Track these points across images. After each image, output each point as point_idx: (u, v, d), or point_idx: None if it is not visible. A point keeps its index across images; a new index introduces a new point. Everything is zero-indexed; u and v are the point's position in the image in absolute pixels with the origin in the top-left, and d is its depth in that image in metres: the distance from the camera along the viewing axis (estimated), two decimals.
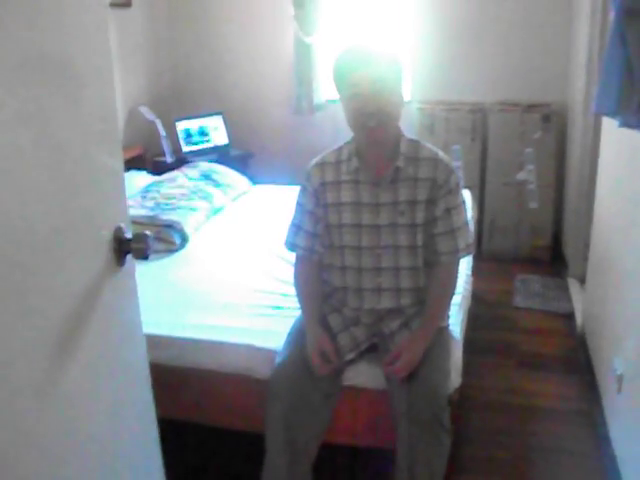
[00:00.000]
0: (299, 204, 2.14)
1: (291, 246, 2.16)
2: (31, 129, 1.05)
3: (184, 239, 3.14)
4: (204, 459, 2.45)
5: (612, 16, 2.09)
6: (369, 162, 2.03)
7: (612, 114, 2.18)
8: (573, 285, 3.80)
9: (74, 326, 1.17)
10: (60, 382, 1.13)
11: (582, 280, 3.57)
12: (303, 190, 2.13)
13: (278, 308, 2.43)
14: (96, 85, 1.25)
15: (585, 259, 3.42)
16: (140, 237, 1.31)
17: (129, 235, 1.32)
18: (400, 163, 2.00)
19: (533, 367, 3.06)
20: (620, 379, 2.27)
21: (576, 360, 3.10)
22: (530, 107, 4.29)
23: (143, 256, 1.31)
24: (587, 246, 3.33)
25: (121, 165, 1.37)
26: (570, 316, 3.51)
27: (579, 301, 3.51)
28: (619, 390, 2.28)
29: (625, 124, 2.15)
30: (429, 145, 2.07)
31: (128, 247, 1.31)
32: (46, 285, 1.09)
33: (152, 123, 4.53)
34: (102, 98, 1.28)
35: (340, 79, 1.95)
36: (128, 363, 1.40)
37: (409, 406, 1.86)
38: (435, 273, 2.06)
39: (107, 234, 1.28)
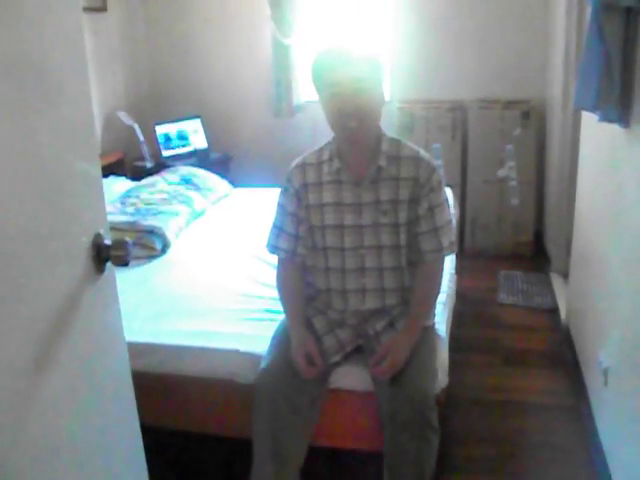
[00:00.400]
0: (280, 206, 2.12)
1: (273, 249, 2.13)
2: (6, 135, 1.02)
3: (165, 244, 3.11)
4: (190, 466, 2.42)
5: (590, 11, 2.10)
6: (350, 162, 2.02)
7: (592, 109, 2.19)
8: (556, 280, 3.82)
9: (53, 335, 1.14)
10: (40, 392, 1.10)
11: (565, 275, 3.59)
12: (284, 192, 2.11)
13: (262, 311, 2.41)
14: (72, 90, 1.23)
15: (567, 254, 3.44)
16: (119, 244, 1.29)
17: (108, 242, 1.29)
18: (382, 162, 1.98)
19: (519, 363, 3.06)
20: (606, 372, 2.27)
21: (561, 355, 3.11)
22: (509, 104, 4.31)
23: (123, 263, 1.28)
24: (569, 241, 3.35)
25: (99, 170, 1.34)
26: (554, 311, 3.52)
27: (563, 296, 3.53)
28: (605, 383, 2.28)
29: (605, 118, 2.16)
30: (410, 144, 2.06)
31: (107, 254, 1.28)
32: (23, 294, 1.06)
33: (130, 128, 4.49)
34: (78, 103, 1.26)
35: (319, 79, 1.94)
36: (110, 371, 1.38)
37: (396, 407, 1.85)
38: (419, 272, 2.05)
39: (86, 241, 1.25)
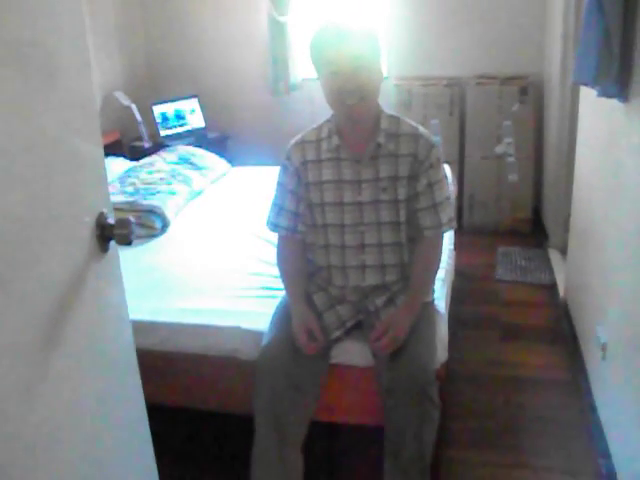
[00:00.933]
0: (280, 184, 2.12)
1: (273, 226, 2.14)
2: (6, 117, 1.02)
3: (165, 223, 3.11)
4: (193, 443, 2.45)
5: None
6: (349, 139, 2.02)
7: (591, 83, 2.19)
8: (554, 256, 3.84)
9: (59, 316, 1.16)
10: (47, 371, 1.11)
11: (563, 251, 3.61)
12: (284, 170, 2.11)
13: (263, 289, 2.42)
14: (72, 70, 1.22)
15: (566, 230, 3.45)
16: (123, 223, 1.29)
17: (112, 221, 1.30)
18: (381, 139, 1.99)
19: (517, 338, 3.09)
20: (604, 347, 2.30)
21: (560, 330, 3.13)
22: (507, 80, 4.29)
23: (126, 242, 1.29)
24: (567, 217, 3.36)
25: (101, 150, 1.34)
26: (552, 287, 3.55)
27: (561, 271, 3.55)
28: (603, 358, 2.31)
29: (604, 93, 2.16)
30: (409, 120, 2.06)
31: (111, 233, 1.29)
32: (28, 274, 1.07)
33: (128, 108, 4.48)
34: (79, 82, 1.25)
35: (317, 57, 1.93)
36: (115, 349, 1.39)
37: (397, 382, 1.87)
38: (419, 248, 2.06)
39: (90, 221, 1.25)
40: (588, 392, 2.54)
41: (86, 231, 1.24)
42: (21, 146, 1.06)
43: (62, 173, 1.18)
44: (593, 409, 2.44)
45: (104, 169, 1.36)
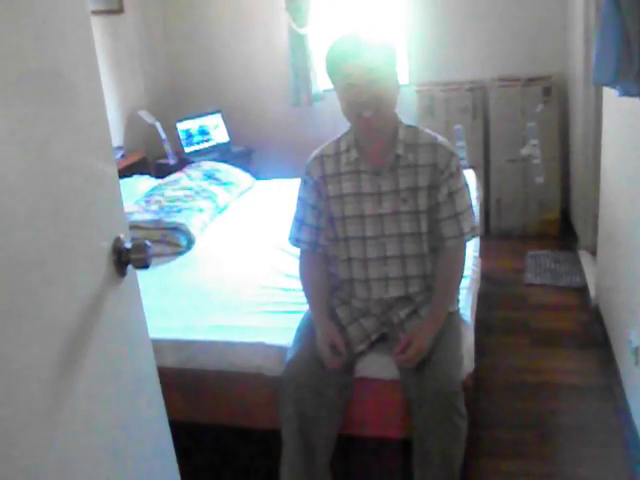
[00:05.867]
0: (300, 199, 2.13)
1: (295, 241, 2.15)
2: (21, 143, 1.04)
3: (190, 241, 3.14)
4: (221, 460, 2.45)
5: None
6: (368, 151, 2.02)
7: (611, 83, 2.15)
8: (585, 257, 3.77)
9: (78, 341, 1.17)
10: (66, 397, 1.12)
11: (593, 252, 3.54)
12: (304, 184, 2.11)
13: (288, 304, 2.42)
14: (86, 94, 1.24)
15: (595, 230, 3.39)
16: (140, 247, 1.30)
17: (129, 245, 1.31)
18: (399, 150, 1.98)
19: (548, 344, 3.03)
20: (636, 351, 2.25)
21: (592, 334, 3.07)
22: (530, 81, 4.24)
23: (143, 265, 1.31)
24: (596, 217, 3.30)
25: (116, 173, 1.35)
26: (583, 289, 3.48)
27: (592, 274, 3.48)
28: (636, 363, 2.26)
29: (625, 93, 2.12)
30: (428, 130, 2.05)
31: (128, 257, 1.30)
32: (46, 301, 1.09)
33: (152, 126, 4.53)
34: (93, 106, 1.27)
35: (333, 70, 1.94)
36: (136, 372, 1.40)
37: (423, 394, 1.85)
38: (442, 258, 2.05)
39: (106, 246, 1.27)
40: (622, 397, 2.48)
41: (103, 256, 1.26)
42: (37, 173, 1.08)
43: (77, 199, 1.20)
44: (627, 415, 2.38)
45: (119, 193, 1.37)
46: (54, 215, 1.12)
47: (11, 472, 0.98)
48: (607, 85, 2.25)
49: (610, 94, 2.70)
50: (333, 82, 1.97)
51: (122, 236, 1.31)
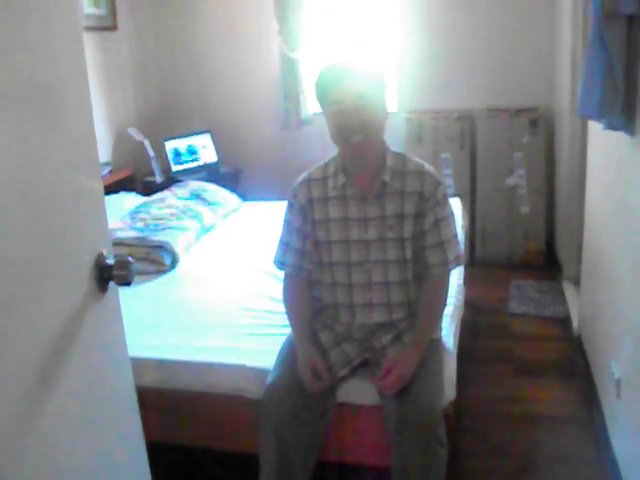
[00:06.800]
0: (286, 222, 2.13)
1: (280, 264, 2.14)
2: (7, 156, 1.03)
3: (174, 260, 3.12)
4: None
5: (591, 19, 2.10)
6: (356, 177, 2.03)
7: (596, 117, 2.18)
8: (568, 288, 3.79)
9: (56, 356, 1.15)
10: (43, 411, 1.10)
11: (577, 283, 3.56)
12: (290, 207, 2.12)
13: (269, 327, 2.41)
14: (74, 109, 1.24)
15: (579, 261, 3.41)
16: (122, 263, 1.29)
17: (111, 261, 1.30)
18: (386, 177, 1.99)
19: (531, 374, 3.03)
20: (618, 383, 2.25)
21: (574, 365, 3.07)
22: (518, 112, 4.29)
23: (125, 282, 1.29)
24: (580, 248, 3.32)
25: (101, 189, 1.35)
26: (566, 320, 3.49)
27: (575, 304, 3.49)
28: (618, 395, 2.26)
29: (610, 127, 2.15)
30: (415, 158, 2.06)
31: (110, 274, 1.29)
32: (25, 314, 1.07)
33: (141, 144, 4.53)
34: (81, 122, 1.27)
35: (323, 96, 1.95)
36: (114, 390, 1.38)
37: (403, 421, 1.84)
38: (426, 286, 2.05)
39: (88, 261, 1.25)
40: (603, 430, 2.48)
41: (85, 272, 1.24)
42: (20, 185, 1.07)
43: (61, 214, 1.18)
44: (608, 448, 2.37)
45: (104, 210, 1.36)
46: (36, 228, 1.11)
47: None
48: (592, 118, 2.29)
49: (595, 127, 2.74)
50: (322, 107, 1.98)
51: (105, 252, 1.30)
